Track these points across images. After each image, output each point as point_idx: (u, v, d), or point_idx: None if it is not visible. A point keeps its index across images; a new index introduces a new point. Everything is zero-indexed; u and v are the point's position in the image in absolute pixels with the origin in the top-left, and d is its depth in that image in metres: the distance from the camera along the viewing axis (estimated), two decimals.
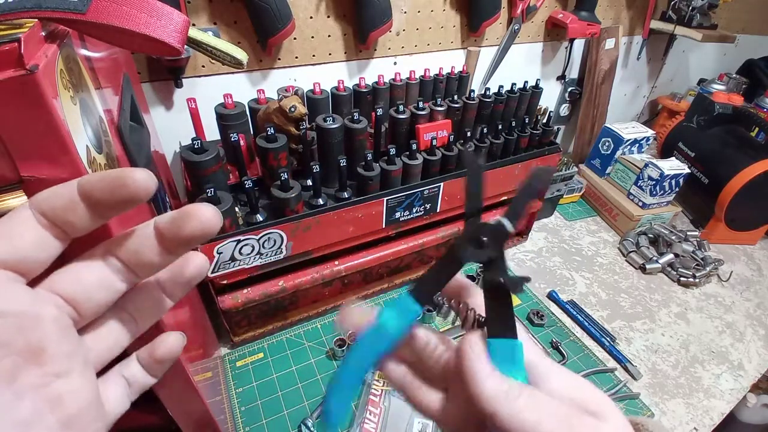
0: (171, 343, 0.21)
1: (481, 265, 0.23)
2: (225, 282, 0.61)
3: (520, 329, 0.22)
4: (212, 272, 0.58)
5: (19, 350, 0.15)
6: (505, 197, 0.83)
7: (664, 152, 1.18)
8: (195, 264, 0.20)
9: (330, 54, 0.79)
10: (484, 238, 0.23)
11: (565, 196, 1.08)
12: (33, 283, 0.17)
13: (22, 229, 0.16)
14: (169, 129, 0.72)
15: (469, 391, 0.20)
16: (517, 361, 0.21)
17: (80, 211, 0.16)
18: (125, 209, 0.17)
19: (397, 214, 0.69)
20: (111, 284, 0.18)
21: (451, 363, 0.24)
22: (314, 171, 0.58)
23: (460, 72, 0.84)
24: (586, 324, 0.78)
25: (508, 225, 0.23)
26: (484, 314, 0.23)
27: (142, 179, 0.16)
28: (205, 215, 0.17)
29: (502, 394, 0.20)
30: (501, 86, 0.81)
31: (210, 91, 0.72)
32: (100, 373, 0.19)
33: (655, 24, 1.14)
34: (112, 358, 0.20)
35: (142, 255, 0.18)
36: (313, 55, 0.78)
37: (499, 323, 0.22)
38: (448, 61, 0.93)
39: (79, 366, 0.17)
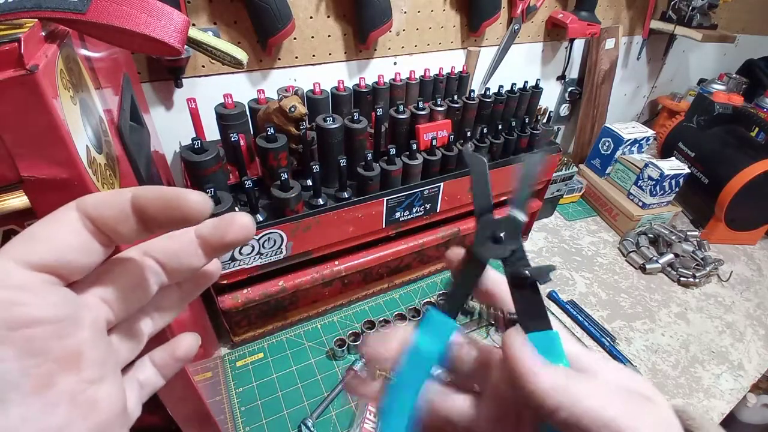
0: (189, 341, 0.22)
1: (503, 261, 0.23)
2: (225, 282, 0.61)
3: (557, 325, 0.22)
4: None
5: (56, 357, 0.15)
6: (505, 197, 0.83)
7: (664, 152, 1.18)
8: (216, 264, 0.21)
9: (330, 54, 0.79)
10: (501, 234, 0.23)
11: (565, 196, 1.08)
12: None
13: (67, 232, 0.16)
14: (169, 129, 0.72)
15: (523, 390, 0.19)
16: (558, 353, 0.21)
17: (130, 222, 0.17)
18: (176, 228, 0.18)
19: (397, 214, 0.69)
20: (147, 287, 0.18)
21: (480, 363, 0.23)
22: (314, 171, 0.58)
23: (460, 72, 0.84)
24: (586, 324, 0.78)
25: (520, 215, 0.23)
26: (513, 311, 0.23)
27: (197, 202, 0.17)
28: (244, 222, 0.18)
29: (561, 384, 0.19)
30: (501, 86, 0.81)
31: (210, 91, 0.72)
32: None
33: (655, 24, 1.14)
34: (132, 359, 0.20)
35: (183, 259, 0.18)
36: (313, 55, 0.78)
37: (530, 317, 0.22)
38: (448, 61, 0.93)
39: (111, 371, 0.17)
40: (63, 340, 0.15)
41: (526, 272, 0.22)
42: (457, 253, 0.24)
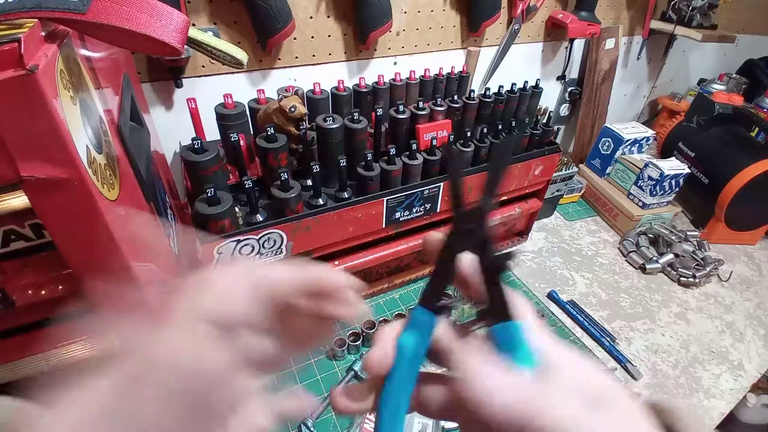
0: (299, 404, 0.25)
1: (475, 251, 0.23)
2: None
3: (531, 314, 0.22)
4: None
5: (214, 404, 0.18)
6: (505, 197, 0.83)
7: (664, 152, 1.18)
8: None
9: (330, 54, 0.79)
10: (470, 226, 0.23)
11: (565, 196, 1.08)
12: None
13: (241, 296, 0.20)
14: (169, 129, 0.72)
15: (482, 415, 0.19)
16: (519, 345, 0.21)
17: (302, 303, 0.22)
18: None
19: (397, 214, 0.69)
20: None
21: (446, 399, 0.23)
22: (314, 171, 0.58)
23: (460, 72, 0.84)
24: (586, 324, 0.78)
25: (486, 203, 0.23)
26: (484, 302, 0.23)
27: (372, 360, 0.21)
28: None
29: (519, 406, 0.18)
30: (501, 86, 0.81)
31: (210, 91, 0.72)
32: None
33: (655, 24, 1.14)
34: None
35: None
36: (313, 55, 0.78)
37: (496, 308, 0.22)
38: (448, 61, 0.93)
39: (262, 409, 0.21)
40: (220, 390, 0.19)
41: (487, 261, 0.22)
42: (435, 237, 0.24)
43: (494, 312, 0.22)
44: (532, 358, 0.21)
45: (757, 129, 1.11)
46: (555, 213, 1.06)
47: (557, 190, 0.99)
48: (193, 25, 0.65)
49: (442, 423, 0.60)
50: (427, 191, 0.69)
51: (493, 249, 0.22)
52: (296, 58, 0.76)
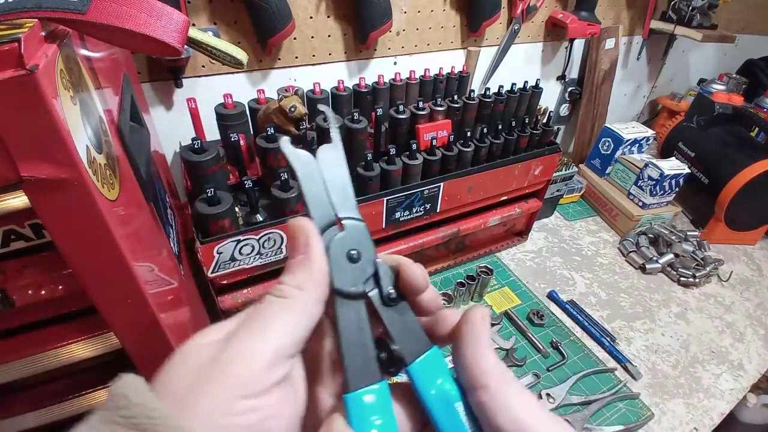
0: None
1: (372, 282, 0.20)
2: (225, 282, 0.61)
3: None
4: (212, 272, 0.58)
5: None
6: (506, 197, 0.83)
7: (664, 152, 1.18)
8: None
9: (330, 54, 0.79)
10: (353, 250, 0.20)
11: (565, 196, 1.08)
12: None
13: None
14: (169, 129, 0.72)
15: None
16: (443, 371, 0.19)
17: None
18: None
19: (397, 214, 0.69)
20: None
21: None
22: None
23: (460, 72, 0.84)
24: (586, 324, 0.78)
25: (359, 219, 0.20)
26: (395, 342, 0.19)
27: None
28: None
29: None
30: (501, 86, 0.81)
31: (210, 91, 0.72)
32: None
33: (655, 24, 1.14)
34: None
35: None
36: (313, 55, 0.78)
37: (408, 340, 0.19)
38: (448, 61, 0.93)
39: None
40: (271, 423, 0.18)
41: (390, 290, 0.19)
42: (300, 225, 0.20)
43: (408, 344, 0.19)
44: (452, 382, 0.18)
45: (757, 129, 1.11)
46: (555, 213, 1.06)
47: (557, 190, 0.99)
48: (193, 25, 0.65)
49: None
50: (427, 191, 0.69)
51: (386, 273, 0.20)
52: (296, 58, 0.76)
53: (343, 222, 0.20)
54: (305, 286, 0.19)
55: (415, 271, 0.20)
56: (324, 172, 0.20)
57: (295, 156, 0.20)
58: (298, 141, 0.63)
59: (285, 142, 0.20)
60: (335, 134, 0.21)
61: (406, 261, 0.21)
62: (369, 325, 0.19)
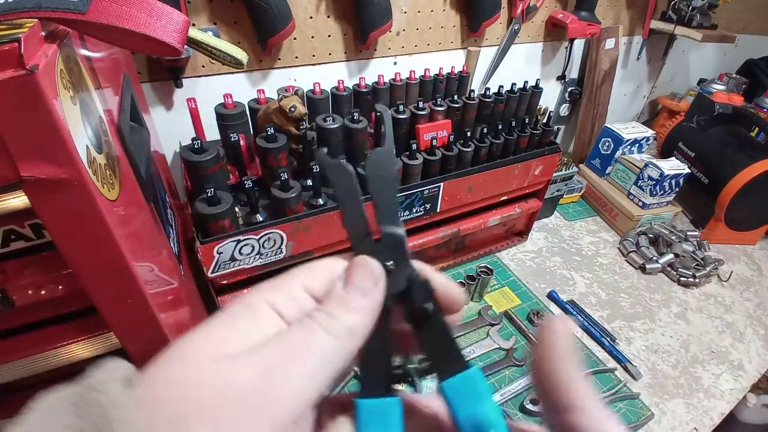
0: None
1: (399, 296, 0.19)
2: (225, 282, 0.61)
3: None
4: (212, 272, 0.58)
5: None
6: (506, 197, 0.83)
7: (664, 152, 1.18)
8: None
9: (330, 54, 0.79)
10: (389, 262, 0.19)
11: (565, 196, 1.08)
12: None
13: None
14: (169, 129, 0.72)
15: None
16: (481, 396, 0.18)
17: None
18: None
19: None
20: None
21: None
22: (314, 171, 0.58)
23: (460, 72, 0.84)
24: (586, 324, 0.78)
25: (397, 229, 0.20)
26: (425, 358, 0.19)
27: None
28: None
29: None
30: (501, 86, 0.81)
31: (210, 91, 0.72)
32: None
33: (655, 24, 1.14)
34: None
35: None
36: (313, 55, 0.78)
37: (442, 358, 0.18)
38: (448, 61, 0.93)
39: None
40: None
41: (426, 305, 0.18)
42: (369, 265, 0.19)
43: (442, 363, 0.18)
44: (497, 410, 0.17)
45: (757, 129, 1.11)
46: (555, 213, 1.06)
47: (557, 190, 0.99)
48: (193, 25, 0.65)
49: None
50: (427, 191, 0.69)
51: (427, 285, 0.19)
52: (296, 58, 0.76)
53: (383, 232, 0.20)
54: (358, 332, 0.17)
55: (455, 291, 0.20)
56: (370, 181, 0.21)
57: (332, 167, 0.20)
58: (298, 141, 0.63)
59: (323, 155, 0.21)
60: (389, 139, 0.21)
61: (442, 279, 0.20)
62: (391, 339, 0.19)
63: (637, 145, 1.07)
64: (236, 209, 0.58)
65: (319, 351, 0.16)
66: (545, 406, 0.18)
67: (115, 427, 0.13)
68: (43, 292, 0.35)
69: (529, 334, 0.75)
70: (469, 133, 0.71)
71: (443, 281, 0.20)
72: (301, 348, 0.16)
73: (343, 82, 0.72)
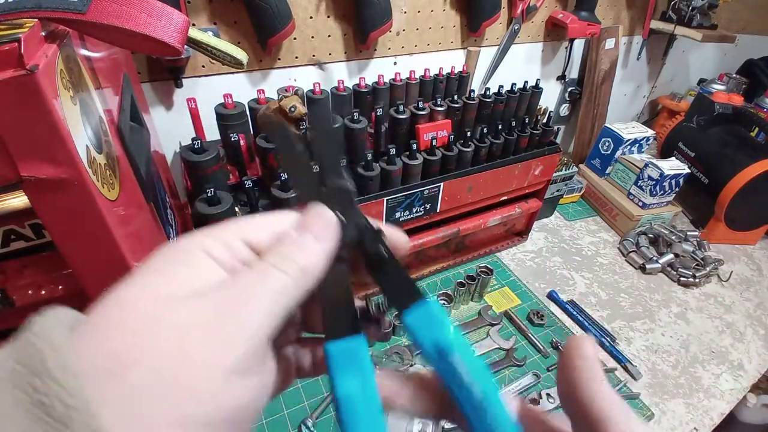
0: None
1: (356, 243, 0.20)
2: None
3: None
4: None
5: None
6: (506, 197, 0.83)
7: (664, 152, 1.18)
8: None
9: (330, 54, 0.79)
10: (339, 212, 0.20)
11: (565, 196, 1.08)
12: None
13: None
14: (169, 129, 0.72)
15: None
16: (443, 323, 0.19)
17: None
18: None
19: (397, 214, 0.69)
20: None
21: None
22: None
23: (460, 72, 0.84)
24: (586, 324, 0.78)
25: (346, 184, 0.20)
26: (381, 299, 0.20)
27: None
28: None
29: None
30: (501, 86, 0.81)
31: (210, 91, 0.72)
32: None
33: (655, 24, 1.14)
34: None
35: None
36: (313, 55, 0.78)
37: (401, 293, 0.19)
38: (448, 61, 0.93)
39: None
40: None
41: (379, 246, 0.20)
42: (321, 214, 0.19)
43: (402, 297, 0.19)
44: (452, 335, 0.18)
45: (757, 129, 1.11)
46: (555, 213, 1.06)
47: (557, 190, 0.99)
48: (193, 25, 0.65)
49: (442, 423, 0.60)
50: (427, 191, 0.69)
51: (371, 232, 0.20)
52: (296, 58, 0.76)
53: (329, 185, 0.20)
54: (311, 273, 0.18)
55: (400, 236, 0.21)
56: (313, 140, 0.22)
57: (267, 125, 0.22)
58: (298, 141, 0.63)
59: (264, 114, 0.21)
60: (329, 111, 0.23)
61: (387, 227, 0.21)
62: (350, 286, 0.20)
63: (637, 145, 1.07)
64: (236, 209, 0.58)
65: (272, 289, 0.16)
66: (575, 421, 0.18)
67: (54, 374, 0.12)
68: (43, 292, 0.35)
69: (530, 334, 0.75)
70: (469, 133, 0.71)
71: (389, 229, 0.21)
72: (255, 287, 0.16)
73: (343, 82, 0.72)
